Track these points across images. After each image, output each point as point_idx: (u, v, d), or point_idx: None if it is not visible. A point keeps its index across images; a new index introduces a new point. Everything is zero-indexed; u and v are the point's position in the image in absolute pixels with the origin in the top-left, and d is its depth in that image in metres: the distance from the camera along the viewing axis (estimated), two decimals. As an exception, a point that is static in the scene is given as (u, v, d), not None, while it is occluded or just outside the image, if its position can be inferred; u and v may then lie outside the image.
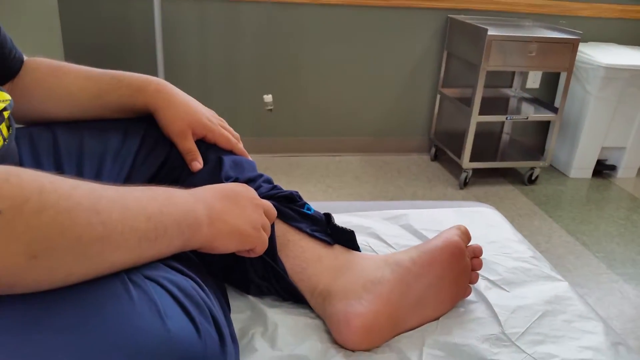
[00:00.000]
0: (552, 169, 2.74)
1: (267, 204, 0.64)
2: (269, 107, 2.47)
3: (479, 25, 2.26)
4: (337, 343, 0.64)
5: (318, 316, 0.68)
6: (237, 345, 0.56)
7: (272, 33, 2.43)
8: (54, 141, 0.70)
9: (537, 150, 2.74)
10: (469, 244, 0.72)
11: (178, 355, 0.41)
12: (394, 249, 0.83)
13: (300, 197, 0.74)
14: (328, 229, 0.72)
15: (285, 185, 0.80)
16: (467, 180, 2.43)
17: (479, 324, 0.68)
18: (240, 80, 2.50)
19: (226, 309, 0.61)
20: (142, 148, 0.73)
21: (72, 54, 2.26)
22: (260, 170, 0.77)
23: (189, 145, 0.73)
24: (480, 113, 2.32)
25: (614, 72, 2.38)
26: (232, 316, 0.65)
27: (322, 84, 2.58)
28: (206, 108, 0.79)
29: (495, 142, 2.75)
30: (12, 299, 0.38)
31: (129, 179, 0.70)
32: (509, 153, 2.63)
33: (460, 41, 2.45)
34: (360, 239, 0.78)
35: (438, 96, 2.67)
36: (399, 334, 0.66)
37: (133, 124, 0.75)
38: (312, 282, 0.67)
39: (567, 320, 0.70)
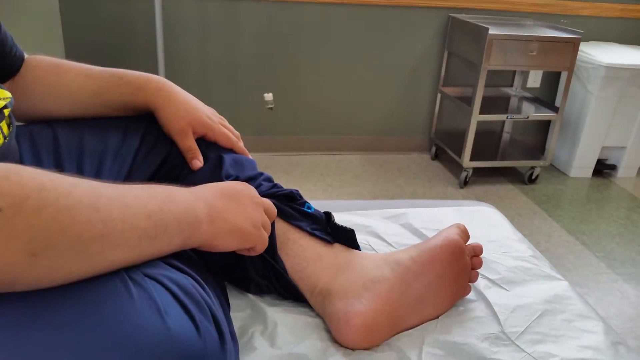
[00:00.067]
0: (553, 168, 2.74)
1: (268, 202, 0.64)
2: (270, 106, 2.47)
3: (480, 24, 2.26)
4: (336, 342, 0.64)
5: (318, 315, 0.68)
6: (237, 344, 0.56)
7: (272, 32, 2.43)
8: (54, 139, 0.70)
9: (538, 149, 2.74)
10: (468, 243, 0.73)
11: (178, 353, 0.41)
12: (394, 247, 0.83)
13: (300, 196, 0.74)
14: (328, 227, 0.72)
15: (286, 183, 0.80)
16: (468, 180, 2.43)
17: (479, 322, 0.68)
18: (240, 78, 2.50)
19: (226, 307, 0.61)
20: (142, 146, 0.73)
21: (73, 53, 2.26)
22: (260, 169, 0.77)
23: (189, 144, 0.73)
24: (481, 112, 2.32)
25: (614, 72, 2.38)
26: (232, 314, 0.65)
27: (322, 83, 2.58)
28: (206, 106, 0.79)
29: (495, 141, 2.75)
30: (12, 297, 0.38)
31: (129, 177, 0.70)
32: (509, 152, 2.63)
33: (461, 40, 2.44)
34: (360, 238, 0.79)
35: (438, 95, 2.67)
36: (399, 332, 0.66)
37: (133, 122, 0.75)
38: (311, 280, 0.67)
39: (566, 320, 0.70)
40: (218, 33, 2.38)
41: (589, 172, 2.64)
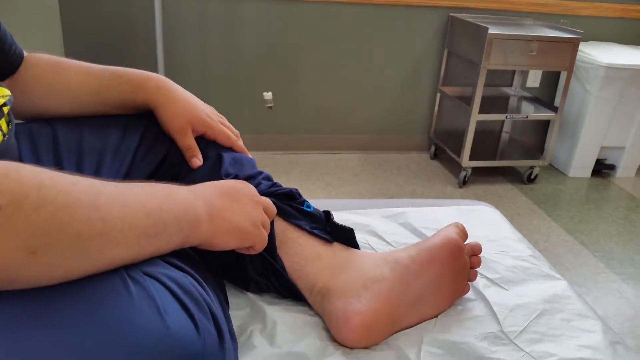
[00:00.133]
0: (552, 168, 2.74)
1: (267, 201, 0.64)
2: (269, 105, 2.47)
3: (479, 23, 2.26)
4: (335, 341, 0.64)
5: (317, 314, 0.68)
6: (236, 342, 0.56)
7: (272, 31, 2.43)
8: (53, 137, 0.70)
9: (537, 149, 2.74)
10: (467, 242, 0.73)
11: (177, 351, 0.41)
12: (393, 246, 0.83)
13: (299, 195, 0.74)
14: (327, 226, 0.72)
15: (285, 182, 0.80)
16: (467, 179, 2.43)
17: (478, 322, 0.68)
18: (240, 77, 2.49)
19: (225, 306, 0.61)
20: (141, 144, 0.73)
21: (73, 53, 2.26)
22: (260, 168, 0.77)
23: (188, 142, 0.73)
24: (480, 112, 2.32)
25: (614, 72, 2.38)
26: (231, 313, 0.65)
27: (322, 82, 2.58)
28: (206, 105, 0.79)
29: (494, 141, 2.75)
30: (11, 295, 0.38)
31: (128, 175, 0.70)
32: (508, 152, 2.63)
33: (460, 39, 2.44)
34: (359, 237, 0.79)
35: (438, 94, 2.67)
36: (398, 331, 0.66)
37: (133, 121, 0.75)
38: (310, 279, 0.67)
39: (565, 319, 0.70)
40: (218, 32, 2.38)
41: (588, 172, 2.65)
